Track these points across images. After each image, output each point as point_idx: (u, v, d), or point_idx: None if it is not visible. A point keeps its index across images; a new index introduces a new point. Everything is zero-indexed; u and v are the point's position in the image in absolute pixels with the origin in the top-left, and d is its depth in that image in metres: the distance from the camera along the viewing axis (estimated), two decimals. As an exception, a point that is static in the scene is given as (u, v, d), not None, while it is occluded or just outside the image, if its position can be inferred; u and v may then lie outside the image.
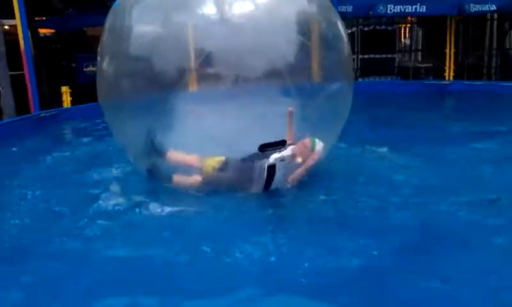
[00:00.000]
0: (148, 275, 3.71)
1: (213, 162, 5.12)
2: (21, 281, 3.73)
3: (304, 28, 5.15)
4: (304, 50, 5.08)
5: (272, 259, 3.84)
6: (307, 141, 5.02)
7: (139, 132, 5.18)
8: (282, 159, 4.83)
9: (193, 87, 5.10)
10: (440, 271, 3.62)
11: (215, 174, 5.07)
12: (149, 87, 4.99)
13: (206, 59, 4.86)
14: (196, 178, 5.09)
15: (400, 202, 4.95)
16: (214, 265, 3.79)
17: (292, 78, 4.98)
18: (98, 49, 5.42)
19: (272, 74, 4.94)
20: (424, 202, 4.90)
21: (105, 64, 5.27)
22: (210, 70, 4.95)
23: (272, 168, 4.84)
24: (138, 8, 5.22)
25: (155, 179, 5.40)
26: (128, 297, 3.44)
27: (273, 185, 5.01)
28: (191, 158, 5.20)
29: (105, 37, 5.34)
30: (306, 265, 3.70)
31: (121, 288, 3.56)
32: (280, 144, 4.83)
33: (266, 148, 4.81)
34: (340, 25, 5.54)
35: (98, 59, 5.38)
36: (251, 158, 4.98)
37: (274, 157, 4.79)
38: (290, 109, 4.92)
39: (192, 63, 4.91)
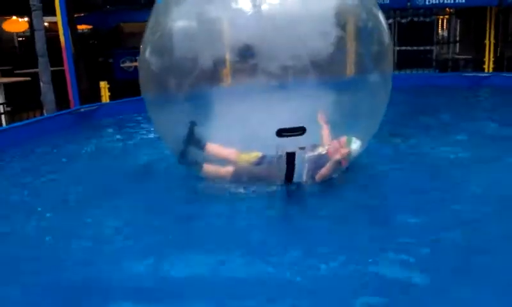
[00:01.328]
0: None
1: (249, 157, 5.16)
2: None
3: (343, 19, 5.10)
4: (342, 42, 5.02)
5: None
6: (343, 139, 4.98)
7: (180, 125, 5.26)
8: (302, 147, 4.82)
9: (233, 82, 5.11)
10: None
11: (248, 167, 5.11)
12: (191, 81, 5.02)
13: (246, 53, 4.88)
14: (228, 169, 5.14)
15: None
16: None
17: (330, 71, 4.98)
18: (141, 44, 5.51)
19: (310, 67, 4.87)
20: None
21: (147, 59, 5.34)
22: (249, 64, 4.92)
23: (291, 155, 4.80)
24: (179, 4, 5.31)
25: (186, 166, 5.51)
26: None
27: (299, 178, 4.99)
28: (228, 152, 5.22)
29: (148, 32, 5.44)
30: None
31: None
32: (299, 130, 4.73)
33: (284, 133, 4.73)
34: (381, 17, 5.44)
35: (141, 53, 5.47)
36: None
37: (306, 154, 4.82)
38: (321, 115, 4.91)
39: (232, 57, 4.92)
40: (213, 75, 5.00)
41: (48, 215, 5.02)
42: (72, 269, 3.84)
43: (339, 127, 5.16)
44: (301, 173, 5.02)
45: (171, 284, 3.59)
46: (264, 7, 4.89)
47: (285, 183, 5.04)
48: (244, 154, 5.18)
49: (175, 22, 5.23)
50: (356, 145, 5.05)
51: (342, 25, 5.03)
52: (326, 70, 4.93)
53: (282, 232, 4.42)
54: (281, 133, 4.72)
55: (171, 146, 5.71)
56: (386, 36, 5.44)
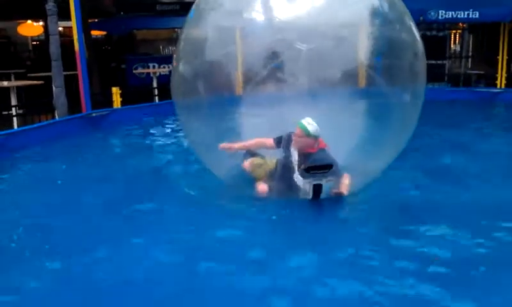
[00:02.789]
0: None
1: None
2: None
3: (374, 33, 5.15)
4: (371, 55, 5.11)
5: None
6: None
7: (209, 130, 5.41)
8: (329, 180, 4.86)
9: (261, 91, 5.26)
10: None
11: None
12: (221, 89, 5.26)
13: (275, 65, 5.02)
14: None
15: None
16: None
17: (354, 84, 5.11)
18: (174, 55, 5.79)
19: (340, 79, 4.98)
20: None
21: (181, 68, 5.48)
22: (277, 75, 5.05)
23: (318, 187, 4.85)
24: (211, 18, 5.45)
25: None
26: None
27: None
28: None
29: (181, 44, 5.60)
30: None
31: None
32: (327, 168, 4.78)
33: (312, 170, 4.80)
34: (415, 29, 5.31)
35: (174, 63, 5.66)
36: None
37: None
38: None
39: (261, 68, 5.03)
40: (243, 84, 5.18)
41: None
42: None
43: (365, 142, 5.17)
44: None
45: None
46: (293, 16, 5.01)
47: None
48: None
49: (208, 34, 5.35)
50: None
51: (374, 37, 5.09)
52: (351, 81, 5.03)
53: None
54: (309, 170, 4.78)
55: (200, 149, 5.79)
56: (419, 50, 5.30)
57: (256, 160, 5.44)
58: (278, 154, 5.26)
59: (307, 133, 4.87)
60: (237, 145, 5.18)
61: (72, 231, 4.62)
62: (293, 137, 5.00)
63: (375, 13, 5.21)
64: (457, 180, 5.97)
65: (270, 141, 5.19)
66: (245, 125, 5.38)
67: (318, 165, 4.78)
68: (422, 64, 5.31)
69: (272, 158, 5.37)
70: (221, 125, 5.48)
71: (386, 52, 5.18)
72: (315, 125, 4.88)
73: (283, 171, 5.11)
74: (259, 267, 3.86)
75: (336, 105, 5.01)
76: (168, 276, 3.77)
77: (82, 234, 4.52)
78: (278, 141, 5.17)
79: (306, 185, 4.90)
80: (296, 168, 4.96)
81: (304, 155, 4.96)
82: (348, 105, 5.04)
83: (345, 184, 4.93)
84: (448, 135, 8.62)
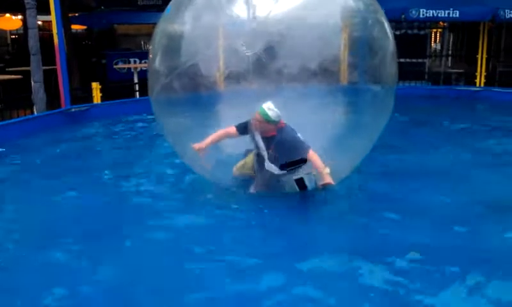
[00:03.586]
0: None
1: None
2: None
3: (347, 28, 5.18)
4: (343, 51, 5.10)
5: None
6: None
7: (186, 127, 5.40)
8: (309, 173, 4.90)
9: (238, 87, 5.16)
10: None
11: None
12: (197, 86, 5.10)
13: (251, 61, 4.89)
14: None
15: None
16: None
17: (330, 80, 5.01)
18: (150, 49, 5.63)
19: (313, 74, 4.93)
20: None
21: (156, 63, 5.39)
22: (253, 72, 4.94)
23: (299, 181, 4.88)
24: (187, 13, 5.34)
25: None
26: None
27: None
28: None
29: (157, 39, 5.47)
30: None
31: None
32: (301, 162, 4.83)
33: (288, 167, 4.87)
34: (387, 26, 5.38)
35: (150, 58, 5.55)
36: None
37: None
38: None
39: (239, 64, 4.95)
40: (217, 82, 5.09)
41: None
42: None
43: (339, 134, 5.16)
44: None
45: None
46: (274, 14, 4.91)
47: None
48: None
49: (184, 29, 5.29)
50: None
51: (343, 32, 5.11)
52: (327, 77, 4.98)
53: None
54: (284, 168, 4.83)
55: (178, 148, 5.74)
56: (391, 47, 5.38)
57: (240, 162, 5.44)
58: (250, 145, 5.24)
59: (267, 119, 4.83)
60: (205, 142, 5.07)
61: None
62: (252, 121, 4.95)
63: (350, 11, 5.28)
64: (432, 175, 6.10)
65: (233, 130, 5.10)
66: (222, 122, 5.28)
67: (291, 162, 4.81)
68: (393, 61, 5.43)
69: (250, 154, 5.35)
70: (198, 122, 5.38)
71: (359, 49, 5.25)
72: (276, 110, 4.83)
73: (259, 164, 5.10)
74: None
75: (310, 100, 5.01)
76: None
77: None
78: (243, 127, 5.08)
79: (290, 181, 4.95)
80: (266, 155, 4.95)
81: (267, 139, 4.95)
82: (321, 101, 5.01)
83: (327, 173, 4.88)
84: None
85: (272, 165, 4.93)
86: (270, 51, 4.84)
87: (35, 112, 9.72)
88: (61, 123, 9.50)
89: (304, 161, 4.82)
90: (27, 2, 9.57)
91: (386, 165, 6.41)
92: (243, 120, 5.05)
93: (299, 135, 4.93)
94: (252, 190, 5.21)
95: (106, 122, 9.91)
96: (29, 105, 9.89)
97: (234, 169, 5.43)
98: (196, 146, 5.05)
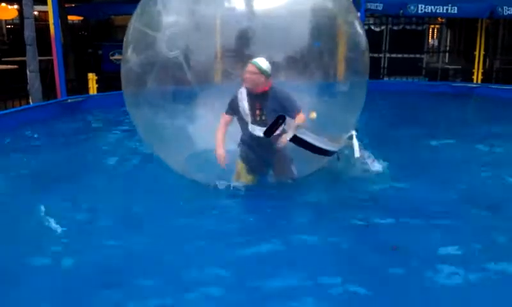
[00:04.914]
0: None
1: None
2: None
3: (321, 24, 5.18)
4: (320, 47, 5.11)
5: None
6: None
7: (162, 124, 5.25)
8: (298, 126, 4.74)
9: (220, 80, 5.11)
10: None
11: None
12: (177, 78, 4.98)
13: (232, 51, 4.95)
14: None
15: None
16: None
17: (307, 75, 5.02)
18: (124, 39, 5.44)
19: (288, 68, 4.99)
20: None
21: (129, 54, 5.28)
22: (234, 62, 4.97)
23: (295, 138, 4.70)
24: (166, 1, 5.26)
25: None
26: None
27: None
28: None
29: (132, 27, 5.37)
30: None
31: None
32: (281, 119, 4.65)
33: (270, 132, 4.68)
34: (358, 24, 5.58)
35: (124, 49, 5.40)
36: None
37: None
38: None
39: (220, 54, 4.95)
40: (200, 73, 4.96)
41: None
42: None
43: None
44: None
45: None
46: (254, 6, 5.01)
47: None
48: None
49: (163, 16, 5.18)
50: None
51: (319, 29, 5.12)
52: (303, 72, 5.00)
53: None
54: (266, 133, 4.68)
55: (155, 147, 5.69)
56: (363, 42, 5.55)
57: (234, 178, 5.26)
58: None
59: (260, 69, 4.75)
60: (221, 148, 4.92)
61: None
62: (244, 78, 4.84)
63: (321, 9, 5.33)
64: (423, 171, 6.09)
65: (225, 117, 5.03)
66: (201, 117, 5.21)
67: (272, 124, 4.66)
68: (363, 56, 5.58)
69: (237, 161, 5.22)
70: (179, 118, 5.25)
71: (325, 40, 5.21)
72: (268, 63, 4.78)
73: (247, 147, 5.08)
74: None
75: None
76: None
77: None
78: (230, 107, 5.02)
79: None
80: (249, 119, 4.90)
81: (256, 97, 4.87)
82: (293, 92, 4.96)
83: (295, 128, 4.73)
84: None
85: (257, 126, 4.85)
86: (241, 40, 4.89)
87: (31, 103, 9.66)
88: (57, 114, 9.44)
89: (283, 118, 4.64)
90: (23, -9, 9.51)
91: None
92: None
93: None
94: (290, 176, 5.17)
95: (102, 113, 9.85)
96: (25, 95, 9.84)
97: (235, 177, 5.23)
98: (221, 159, 4.90)
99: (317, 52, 5.06)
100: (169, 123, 5.21)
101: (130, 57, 5.29)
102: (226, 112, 5.04)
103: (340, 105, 5.43)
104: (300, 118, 4.75)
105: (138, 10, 5.42)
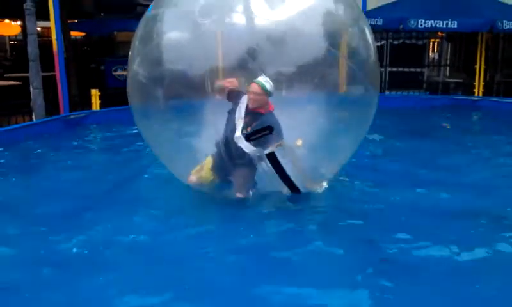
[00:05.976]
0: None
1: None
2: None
3: (333, 36, 5.14)
4: (330, 58, 5.07)
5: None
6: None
7: (168, 135, 5.33)
8: (279, 145, 4.76)
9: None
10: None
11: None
12: (179, 92, 5.05)
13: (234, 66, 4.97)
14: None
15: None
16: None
17: (317, 86, 5.02)
18: (129, 54, 5.47)
19: (299, 80, 4.98)
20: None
21: (135, 68, 5.31)
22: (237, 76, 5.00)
23: (271, 155, 4.74)
24: (170, 16, 5.29)
25: None
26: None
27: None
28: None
29: (137, 42, 5.40)
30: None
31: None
32: (266, 130, 4.71)
33: (252, 137, 4.73)
34: (369, 34, 5.49)
35: (129, 64, 5.44)
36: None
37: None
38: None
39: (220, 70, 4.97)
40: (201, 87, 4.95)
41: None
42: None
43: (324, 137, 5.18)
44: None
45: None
46: (257, 21, 5.00)
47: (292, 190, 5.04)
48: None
49: (165, 32, 5.25)
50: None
51: (331, 41, 5.06)
52: (313, 84, 4.99)
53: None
54: (249, 137, 4.72)
55: (160, 155, 5.71)
56: (373, 54, 5.51)
57: (195, 169, 5.25)
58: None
59: (264, 89, 4.75)
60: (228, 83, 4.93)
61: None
62: (249, 95, 4.84)
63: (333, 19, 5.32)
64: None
65: (234, 81, 4.98)
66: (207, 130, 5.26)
67: (256, 131, 4.71)
68: (373, 66, 5.56)
69: (207, 157, 5.24)
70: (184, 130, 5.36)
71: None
72: (271, 82, 4.78)
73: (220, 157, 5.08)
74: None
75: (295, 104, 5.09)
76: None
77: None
78: (235, 93, 5.00)
79: (261, 164, 4.91)
80: (240, 124, 4.84)
81: (252, 115, 4.86)
82: (306, 105, 5.05)
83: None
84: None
85: (242, 137, 4.79)
86: (252, 53, 4.87)
87: (34, 119, 9.71)
88: (60, 130, 9.48)
89: (270, 129, 4.68)
90: (27, 8, 9.58)
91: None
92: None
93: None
94: (239, 194, 5.11)
95: (105, 129, 9.88)
96: (28, 111, 9.90)
97: (191, 177, 5.23)
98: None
99: (324, 65, 5.04)
100: (175, 136, 5.33)
101: (138, 72, 5.31)
102: (231, 90, 4.97)
103: (350, 116, 5.43)
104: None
105: (141, 28, 5.45)
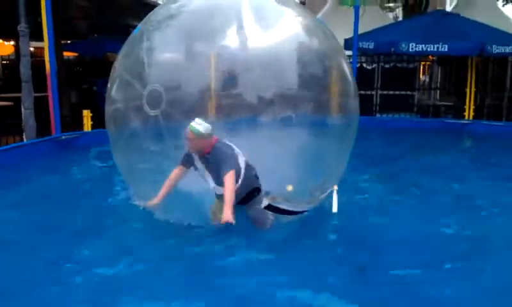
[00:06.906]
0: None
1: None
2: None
3: (315, 64, 5.29)
4: (312, 84, 5.21)
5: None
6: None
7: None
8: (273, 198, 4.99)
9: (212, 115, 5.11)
10: None
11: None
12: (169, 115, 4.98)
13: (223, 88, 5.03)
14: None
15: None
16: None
17: (299, 110, 5.13)
18: (111, 75, 5.56)
19: (279, 105, 5.02)
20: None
21: (114, 92, 5.45)
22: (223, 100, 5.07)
23: (269, 207, 4.96)
24: (156, 37, 5.43)
25: None
26: None
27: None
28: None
29: (119, 63, 5.51)
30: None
31: None
32: (256, 192, 5.01)
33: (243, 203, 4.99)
34: (346, 67, 5.66)
35: (109, 85, 5.51)
36: None
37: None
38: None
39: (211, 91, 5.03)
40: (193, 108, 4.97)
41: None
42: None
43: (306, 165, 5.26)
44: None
45: None
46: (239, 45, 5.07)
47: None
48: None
49: (152, 54, 5.30)
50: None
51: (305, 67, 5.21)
52: (292, 108, 5.07)
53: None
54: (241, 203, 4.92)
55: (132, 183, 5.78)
56: (350, 82, 5.65)
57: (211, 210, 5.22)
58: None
59: (198, 134, 4.69)
60: (158, 197, 4.97)
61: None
62: (186, 143, 4.82)
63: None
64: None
65: (178, 168, 5.00)
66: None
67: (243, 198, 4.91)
68: (350, 99, 5.67)
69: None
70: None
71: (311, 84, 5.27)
72: (206, 123, 4.72)
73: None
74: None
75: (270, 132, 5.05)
76: None
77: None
78: (185, 159, 4.97)
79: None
80: (209, 178, 4.87)
81: (205, 159, 4.83)
82: (281, 132, 5.05)
83: (228, 209, 4.58)
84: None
85: (219, 186, 4.79)
86: (230, 81, 5.00)
87: (24, 140, 9.66)
88: (51, 151, 9.42)
89: (258, 191, 4.94)
90: (21, 30, 9.58)
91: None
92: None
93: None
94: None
95: (97, 150, 9.82)
96: (19, 132, 9.85)
97: (212, 218, 5.16)
98: (150, 203, 5.01)
99: (305, 92, 5.14)
100: (146, 164, 5.37)
101: (115, 97, 5.41)
102: (182, 164, 5.00)
103: (329, 144, 5.51)
104: (228, 177, 4.62)
105: (124, 50, 5.48)
